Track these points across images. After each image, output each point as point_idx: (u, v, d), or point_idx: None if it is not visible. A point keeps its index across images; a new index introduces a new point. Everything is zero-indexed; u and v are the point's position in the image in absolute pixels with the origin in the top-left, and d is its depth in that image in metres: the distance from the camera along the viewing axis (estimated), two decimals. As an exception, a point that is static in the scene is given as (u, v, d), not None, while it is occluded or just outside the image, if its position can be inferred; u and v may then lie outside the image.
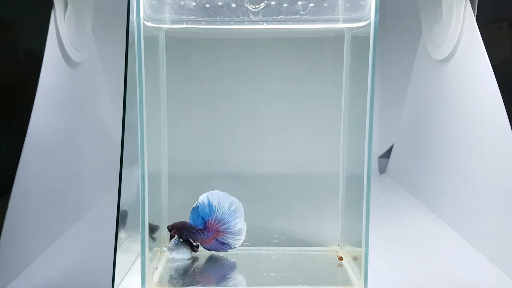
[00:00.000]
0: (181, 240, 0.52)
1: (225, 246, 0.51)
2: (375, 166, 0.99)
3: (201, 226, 0.50)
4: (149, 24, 0.48)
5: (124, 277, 0.49)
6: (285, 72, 0.56)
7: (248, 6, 0.49)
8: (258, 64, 0.56)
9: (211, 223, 0.50)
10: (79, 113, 0.67)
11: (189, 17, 0.50)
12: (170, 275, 0.49)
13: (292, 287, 0.47)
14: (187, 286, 0.47)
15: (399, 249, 0.58)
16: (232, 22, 0.50)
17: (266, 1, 0.49)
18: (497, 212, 0.54)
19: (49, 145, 0.57)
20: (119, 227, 0.45)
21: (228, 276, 0.49)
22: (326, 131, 0.56)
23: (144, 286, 0.46)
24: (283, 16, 0.50)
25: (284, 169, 0.57)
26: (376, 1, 0.44)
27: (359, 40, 0.49)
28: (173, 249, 0.52)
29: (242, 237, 0.51)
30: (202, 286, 0.47)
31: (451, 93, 0.68)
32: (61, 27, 0.59)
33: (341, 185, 0.55)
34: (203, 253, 0.53)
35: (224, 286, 0.47)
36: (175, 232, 0.52)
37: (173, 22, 0.50)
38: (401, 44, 0.92)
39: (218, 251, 0.52)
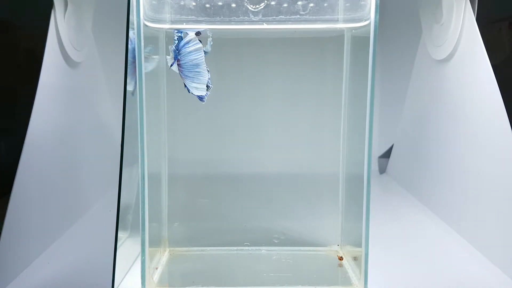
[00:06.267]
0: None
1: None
2: (375, 166, 0.99)
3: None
4: (149, 24, 0.48)
5: (124, 277, 0.49)
6: (285, 72, 0.56)
7: (248, 6, 0.49)
8: (258, 64, 0.56)
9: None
10: (79, 113, 0.67)
11: (189, 17, 0.50)
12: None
13: (292, 287, 0.47)
14: (187, 286, 0.47)
15: (399, 249, 0.58)
16: (232, 22, 0.50)
17: (266, 1, 0.49)
18: (497, 212, 0.54)
19: (49, 145, 0.57)
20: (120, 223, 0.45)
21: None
22: (326, 131, 0.56)
23: (144, 286, 0.46)
24: (283, 16, 0.50)
25: (284, 169, 0.57)
26: (376, 1, 0.44)
27: (359, 40, 0.49)
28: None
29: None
30: (202, 286, 0.47)
31: (451, 93, 0.68)
32: (61, 27, 0.59)
33: (341, 185, 0.55)
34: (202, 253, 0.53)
35: (224, 286, 0.47)
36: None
37: (173, 22, 0.50)
38: (401, 44, 0.92)
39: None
